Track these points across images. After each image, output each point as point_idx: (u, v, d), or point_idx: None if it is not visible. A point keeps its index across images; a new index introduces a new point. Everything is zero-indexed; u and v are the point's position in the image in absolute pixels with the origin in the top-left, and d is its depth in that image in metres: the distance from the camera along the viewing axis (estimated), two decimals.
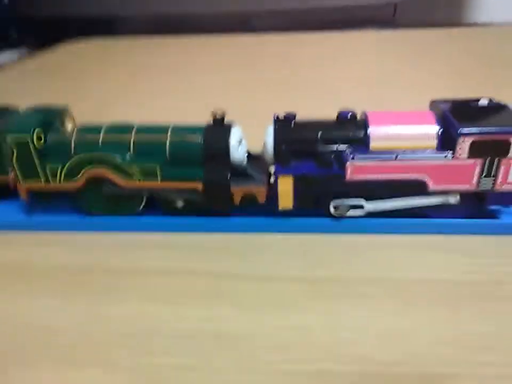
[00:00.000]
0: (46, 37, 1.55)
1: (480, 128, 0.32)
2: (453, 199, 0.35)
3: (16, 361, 0.27)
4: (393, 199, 0.35)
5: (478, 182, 0.34)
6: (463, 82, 0.72)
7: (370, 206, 0.35)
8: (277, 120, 0.36)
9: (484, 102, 0.36)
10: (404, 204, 0.35)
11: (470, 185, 0.34)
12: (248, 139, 0.38)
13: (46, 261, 0.35)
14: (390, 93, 0.68)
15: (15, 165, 0.36)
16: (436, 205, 0.35)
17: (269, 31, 1.19)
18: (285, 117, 0.36)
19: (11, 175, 0.40)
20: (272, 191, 0.36)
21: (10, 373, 0.26)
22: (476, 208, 0.35)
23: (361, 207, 0.35)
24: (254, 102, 0.67)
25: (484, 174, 0.34)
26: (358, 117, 0.36)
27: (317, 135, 0.35)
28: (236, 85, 0.78)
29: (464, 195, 0.35)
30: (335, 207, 0.36)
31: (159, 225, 0.37)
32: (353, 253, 0.35)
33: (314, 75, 0.82)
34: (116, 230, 0.38)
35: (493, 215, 0.36)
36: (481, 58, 0.86)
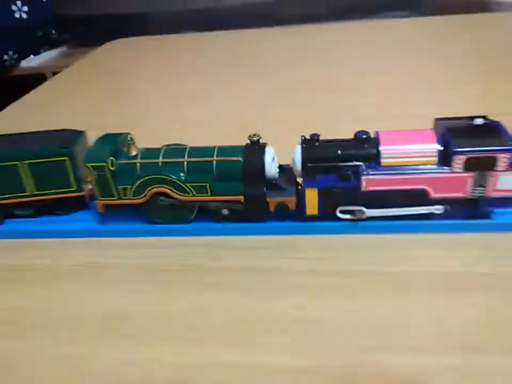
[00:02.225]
0: (83, 36, 1.64)
1: (472, 148, 0.39)
2: (438, 211, 0.42)
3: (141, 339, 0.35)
4: (392, 208, 0.43)
5: (472, 190, 0.41)
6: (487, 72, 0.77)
7: (371, 212, 0.43)
8: (303, 141, 0.44)
9: (479, 121, 0.42)
10: (399, 212, 0.42)
11: (464, 193, 0.41)
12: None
13: (126, 261, 0.44)
14: (414, 90, 0.74)
15: (94, 186, 0.45)
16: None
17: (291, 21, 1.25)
18: (310, 137, 0.44)
19: (86, 190, 0.49)
20: (301, 200, 0.44)
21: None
22: (472, 210, 0.43)
23: (363, 212, 0.43)
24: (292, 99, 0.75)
25: (476, 185, 0.41)
26: (372, 136, 0.43)
27: (337, 153, 0.43)
28: (276, 84, 0.86)
29: (460, 200, 0.42)
30: (344, 212, 0.43)
31: (210, 230, 0.46)
32: (380, 250, 0.42)
33: (339, 67, 0.89)
34: (174, 235, 0.46)
35: (486, 215, 0.43)
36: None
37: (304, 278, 0.39)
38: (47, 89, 0.98)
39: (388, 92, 0.77)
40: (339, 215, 0.44)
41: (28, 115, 0.82)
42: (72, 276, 0.43)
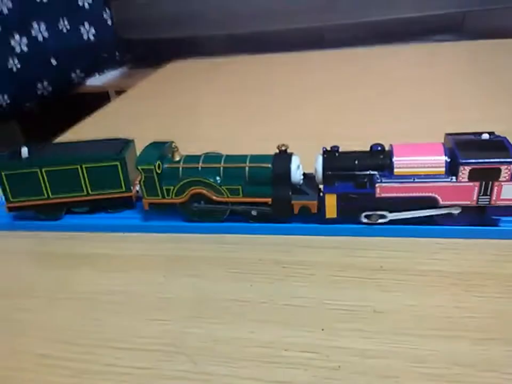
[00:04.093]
0: (142, 58, 1.77)
1: (476, 159, 0.43)
2: (455, 211, 0.46)
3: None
4: (411, 211, 0.47)
5: (477, 199, 0.45)
6: None
7: (392, 216, 0.47)
8: (324, 152, 0.49)
9: (485, 136, 0.46)
10: (417, 214, 0.46)
11: (471, 201, 0.45)
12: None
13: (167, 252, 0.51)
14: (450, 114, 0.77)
15: (142, 186, 0.52)
16: (445, 215, 0.46)
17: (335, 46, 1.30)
18: (331, 148, 0.49)
19: (133, 191, 0.56)
20: (321, 204, 0.49)
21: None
22: (478, 217, 0.46)
23: (385, 216, 0.47)
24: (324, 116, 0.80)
25: (481, 193, 0.44)
26: (386, 148, 0.48)
27: (354, 163, 0.48)
28: (317, 105, 0.92)
29: (468, 208, 0.46)
30: (366, 216, 0.48)
31: (241, 228, 0.52)
32: (399, 250, 0.46)
33: (383, 89, 0.94)
34: (211, 233, 0.52)
35: (493, 223, 0.46)
36: None
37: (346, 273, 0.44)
38: (115, 106, 1.08)
39: (415, 112, 0.81)
40: (363, 219, 0.48)
41: (97, 130, 0.91)
42: (137, 264, 0.49)
